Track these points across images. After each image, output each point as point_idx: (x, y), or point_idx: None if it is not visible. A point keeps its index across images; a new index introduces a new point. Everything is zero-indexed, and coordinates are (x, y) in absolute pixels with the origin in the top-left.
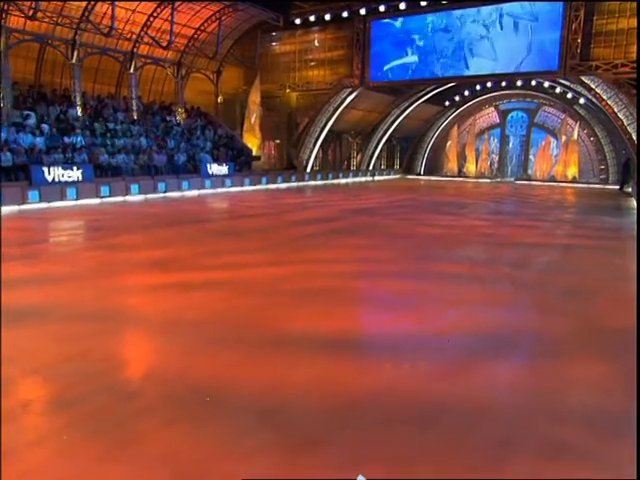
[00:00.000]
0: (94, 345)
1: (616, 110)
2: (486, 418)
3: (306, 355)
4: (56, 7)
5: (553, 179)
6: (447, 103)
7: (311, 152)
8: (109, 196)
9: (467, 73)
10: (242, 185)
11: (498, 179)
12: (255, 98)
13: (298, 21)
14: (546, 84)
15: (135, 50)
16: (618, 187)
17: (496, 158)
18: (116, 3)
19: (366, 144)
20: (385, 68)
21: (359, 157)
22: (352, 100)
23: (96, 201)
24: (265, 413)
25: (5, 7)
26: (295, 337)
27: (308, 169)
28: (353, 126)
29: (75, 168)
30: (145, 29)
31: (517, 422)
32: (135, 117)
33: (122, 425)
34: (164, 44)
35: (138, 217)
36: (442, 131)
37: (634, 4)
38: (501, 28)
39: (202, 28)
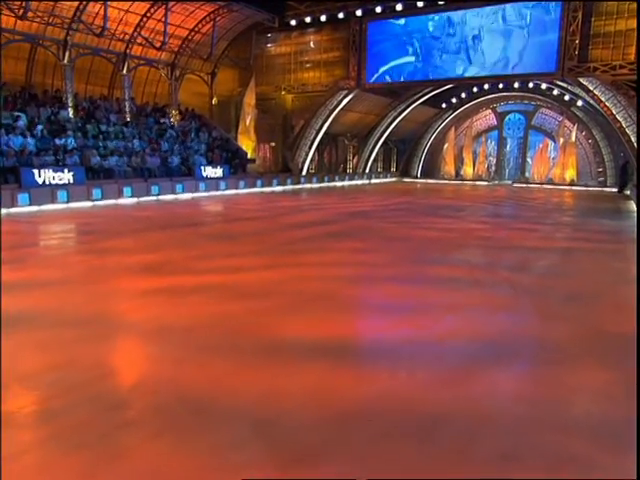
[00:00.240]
0: (81, 353)
1: (614, 112)
2: (487, 429)
3: (301, 363)
4: (47, 7)
5: (551, 182)
6: (444, 105)
7: (307, 155)
8: (101, 199)
9: (464, 75)
10: (237, 188)
11: (495, 182)
12: (250, 100)
13: (293, 22)
14: (543, 86)
15: (128, 51)
16: (617, 190)
17: (493, 161)
18: (108, 3)
19: (362, 147)
20: (381, 70)
21: (355, 160)
22: (348, 102)
23: (88, 204)
24: (258, 425)
25: None
26: (290, 344)
27: (304, 172)
28: (349, 128)
29: (66, 170)
30: (138, 30)
31: (520, 433)
32: (128, 119)
33: (106, 438)
34: (158, 45)
35: (130, 220)
36: (439, 134)
37: (632, 5)
38: (499, 30)
39: (196, 29)
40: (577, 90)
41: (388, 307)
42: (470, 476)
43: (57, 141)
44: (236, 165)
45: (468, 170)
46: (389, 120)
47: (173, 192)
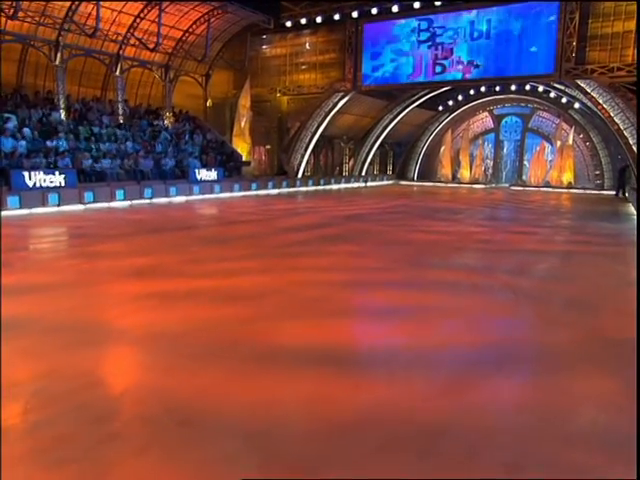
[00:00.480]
0: (67, 361)
1: (612, 114)
2: (489, 440)
3: (295, 372)
4: (38, 7)
5: (548, 185)
6: (441, 108)
7: (302, 157)
8: (93, 202)
9: (461, 77)
10: (231, 191)
11: (492, 185)
12: (245, 102)
13: (289, 24)
14: (540, 88)
15: (121, 52)
16: (614, 192)
17: (490, 163)
18: (101, 3)
19: (358, 149)
20: (378, 72)
21: (351, 163)
22: (344, 104)
23: (79, 207)
24: (249, 438)
25: None
26: (284, 351)
27: (299, 175)
28: (345, 131)
29: (57, 173)
30: (131, 30)
31: (523, 445)
32: (121, 121)
33: (90, 452)
34: (151, 46)
35: (122, 224)
36: (435, 136)
37: (629, 7)
38: (497, 31)
39: (190, 30)
40: (574, 92)
41: (385, 312)
42: None
43: (48, 143)
44: (231, 168)
45: (465, 173)
46: (385, 122)
47: (167, 195)
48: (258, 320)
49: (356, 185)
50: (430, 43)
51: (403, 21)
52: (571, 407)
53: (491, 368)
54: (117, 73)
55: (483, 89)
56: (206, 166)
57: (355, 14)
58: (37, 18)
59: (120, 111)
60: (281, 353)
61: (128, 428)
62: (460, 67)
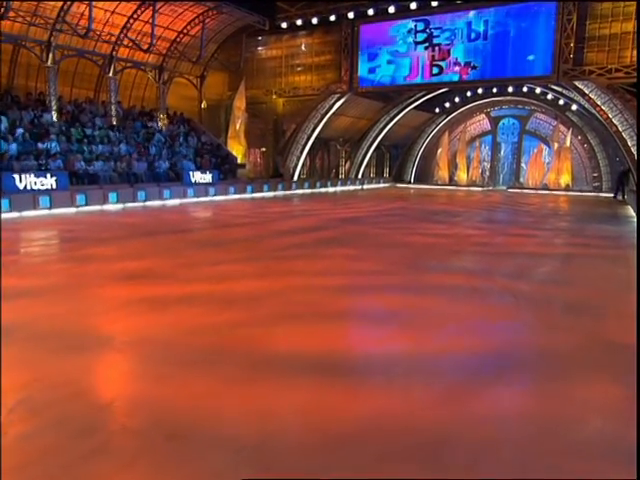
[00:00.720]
0: (52, 369)
1: (610, 116)
2: (491, 451)
3: (290, 380)
4: (30, 6)
5: (546, 187)
6: (437, 110)
7: (298, 160)
8: (85, 205)
9: (458, 78)
10: (226, 194)
11: (490, 187)
12: (240, 104)
13: (284, 25)
14: (537, 90)
15: (114, 53)
16: (612, 195)
17: (487, 166)
18: (93, 4)
19: (355, 152)
20: (374, 73)
21: (348, 165)
22: (340, 106)
23: (71, 210)
24: (242, 451)
25: None
26: (279, 358)
27: (295, 177)
28: (341, 133)
29: (49, 175)
30: (125, 31)
31: (526, 455)
32: (114, 123)
33: (72, 468)
34: (145, 47)
35: (115, 227)
36: (432, 138)
37: (627, 8)
38: (494, 32)
39: (185, 31)
40: (572, 94)
41: (382, 318)
42: None
43: (40, 145)
44: (226, 170)
45: (462, 175)
46: (382, 125)
47: (160, 198)
48: (253, 326)
49: (352, 188)
50: (427, 44)
51: (399, 22)
52: (573, 415)
53: (491, 375)
54: (110, 74)
55: (480, 91)
56: (201, 169)
57: (351, 15)
58: (28, 18)
59: (113, 113)
60: (276, 360)
61: (114, 441)
62: (457, 68)
